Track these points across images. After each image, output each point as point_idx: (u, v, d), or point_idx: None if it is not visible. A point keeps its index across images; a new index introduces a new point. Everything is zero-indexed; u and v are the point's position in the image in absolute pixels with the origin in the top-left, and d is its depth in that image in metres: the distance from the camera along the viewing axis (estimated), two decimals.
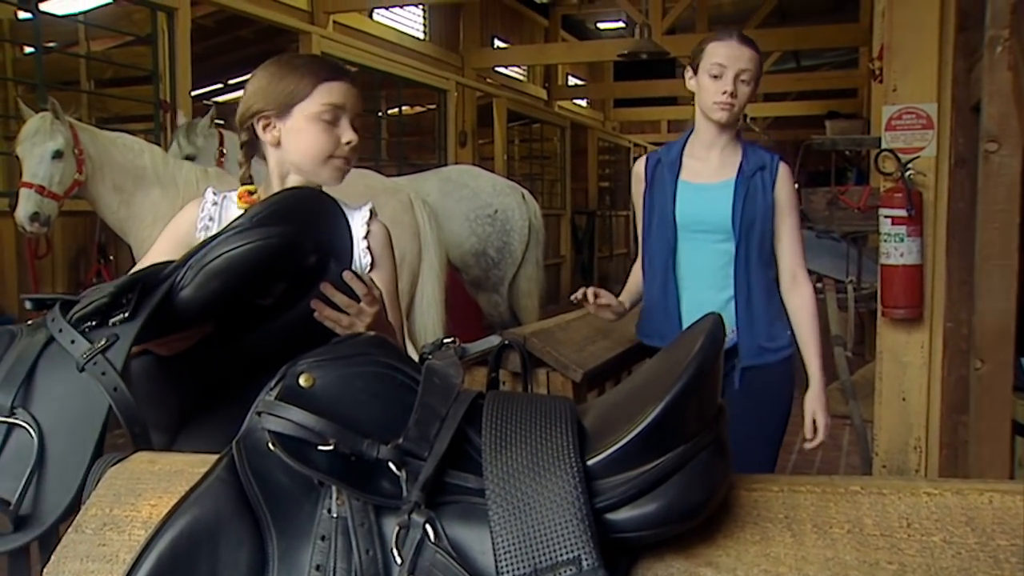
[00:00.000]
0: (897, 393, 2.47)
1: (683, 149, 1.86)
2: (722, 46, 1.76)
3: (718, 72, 1.74)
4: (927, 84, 2.47)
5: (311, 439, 0.70)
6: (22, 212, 2.90)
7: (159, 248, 1.27)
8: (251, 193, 1.28)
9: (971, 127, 2.30)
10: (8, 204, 3.28)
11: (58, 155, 2.92)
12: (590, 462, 0.68)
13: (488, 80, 9.17)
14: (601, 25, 12.08)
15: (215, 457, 0.76)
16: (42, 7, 4.00)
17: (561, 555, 0.63)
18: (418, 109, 7.73)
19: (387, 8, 7.46)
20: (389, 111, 6.88)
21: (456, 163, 6.82)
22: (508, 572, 0.63)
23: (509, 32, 10.21)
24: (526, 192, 4.73)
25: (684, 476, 0.69)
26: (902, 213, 2.41)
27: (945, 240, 2.43)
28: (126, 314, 0.87)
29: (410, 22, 8.26)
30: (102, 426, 0.84)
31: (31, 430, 0.82)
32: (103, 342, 0.85)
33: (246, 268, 0.91)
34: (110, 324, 0.87)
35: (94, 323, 0.88)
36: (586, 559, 0.63)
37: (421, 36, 8.39)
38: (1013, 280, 1.85)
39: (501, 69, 9.88)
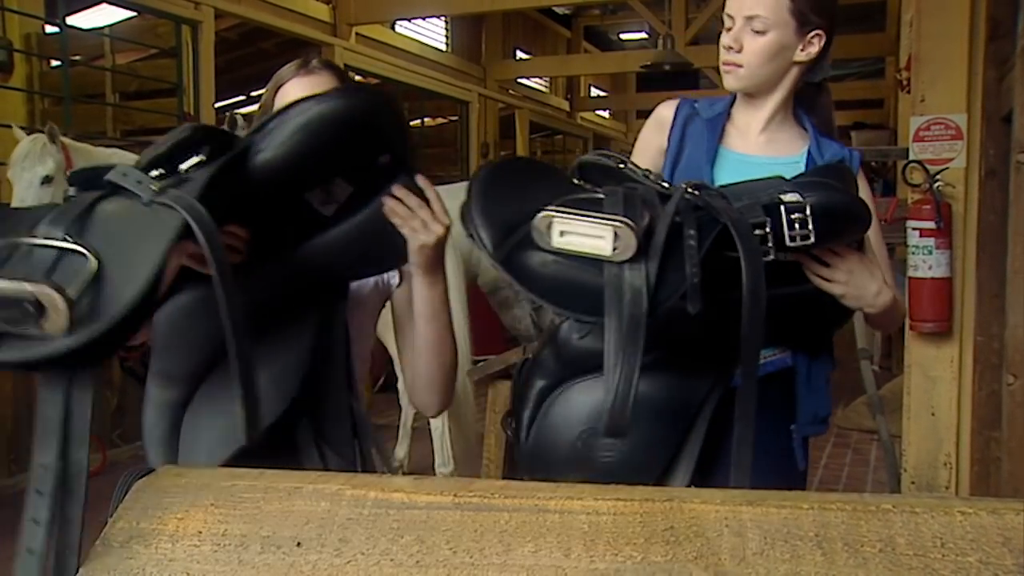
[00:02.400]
0: (926, 408, 2.42)
1: (729, 110, 1.37)
2: None
3: (728, 24, 1.30)
4: (956, 94, 2.44)
5: None
6: None
7: None
8: None
9: (1002, 138, 2.27)
10: None
11: (47, 180, 2.87)
12: None
13: (510, 91, 9.21)
14: (624, 36, 12.10)
15: (244, 471, 0.76)
16: (69, 21, 4.08)
17: None
18: (440, 121, 7.78)
19: (409, 20, 7.54)
20: (411, 123, 6.94)
21: None
22: None
23: (531, 43, 10.26)
24: None
25: None
26: (930, 225, 2.39)
27: (975, 253, 2.40)
28: (203, 157, 0.80)
29: (432, 34, 8.33)
30: (169, 242, 0.73)
31: (87, 253, 0.70)
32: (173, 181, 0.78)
33: (327, 127, 0.85)
34: (181, 172, 0.80)
35: (163, 171, 0.79)
36: None
37: (443, 48, 8.46)
38: None
39: (523, 80, 9.92)
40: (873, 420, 2.61)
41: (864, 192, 1.24)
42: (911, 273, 2.46)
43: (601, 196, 0.87)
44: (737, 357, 0.93)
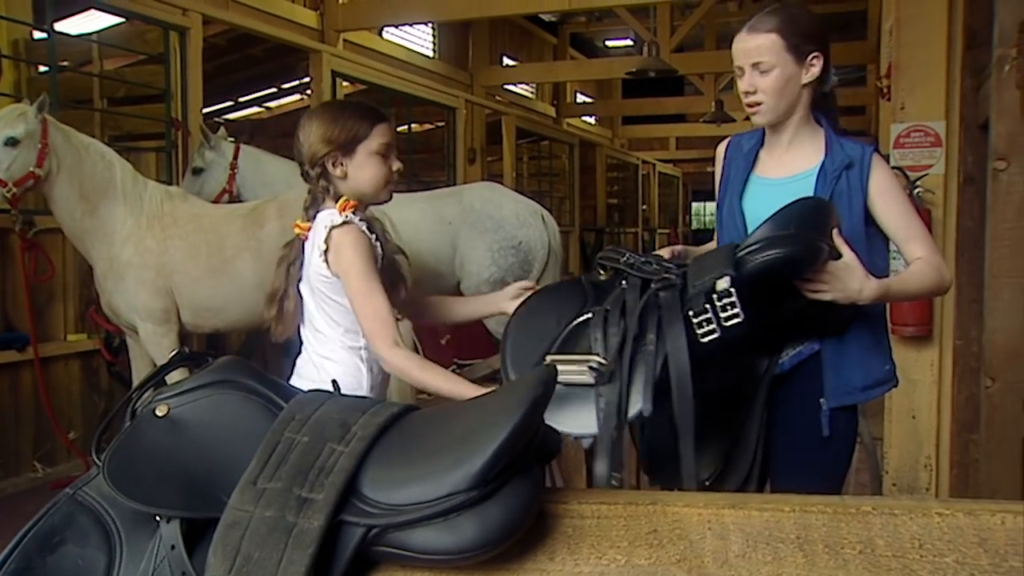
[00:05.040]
0: (907, 411, 2.45)
1: (763, 139, 1.60)
2: (735, 43, 1.52)
3: (739, 73, 1.52)
4: (935, 102, 2.48)
5: None
6: None
7: (371, 275, 1.50)
8: (347, 200, 1.55)
9: (980, 145, 2.30)
10: (20, 222, 3.28)
11: (12, 142, 2.87)
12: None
13: (497, 97, 9.24)
14: (609, 43, 12.17)
15: None
16: (57, 27, 4.05)
17: None
18: (427, 126, 7.78)
19: (397, 26, 7.55)
20: (398, 128, 6.93)
21: (465, 181, 6.83)
22: None
23: (518, 50, 10.29)
24: (545, 213, 4.65)
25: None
26: None
27: (954, 258, 2.43)
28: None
29: (419, 40, 8.34)
30: None
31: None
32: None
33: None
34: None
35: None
36: None
37: (430, 54, 8.47)
38: (1023, 298, 1.85)
39: (510, 87, 9.95)
40: None
41: (881, 177, 1.47)
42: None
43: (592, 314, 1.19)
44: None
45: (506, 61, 9.93)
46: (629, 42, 11.39)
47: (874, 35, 7.27)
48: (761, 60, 1.47)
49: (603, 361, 1.13)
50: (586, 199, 10.37)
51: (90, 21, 5.08)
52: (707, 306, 1.16)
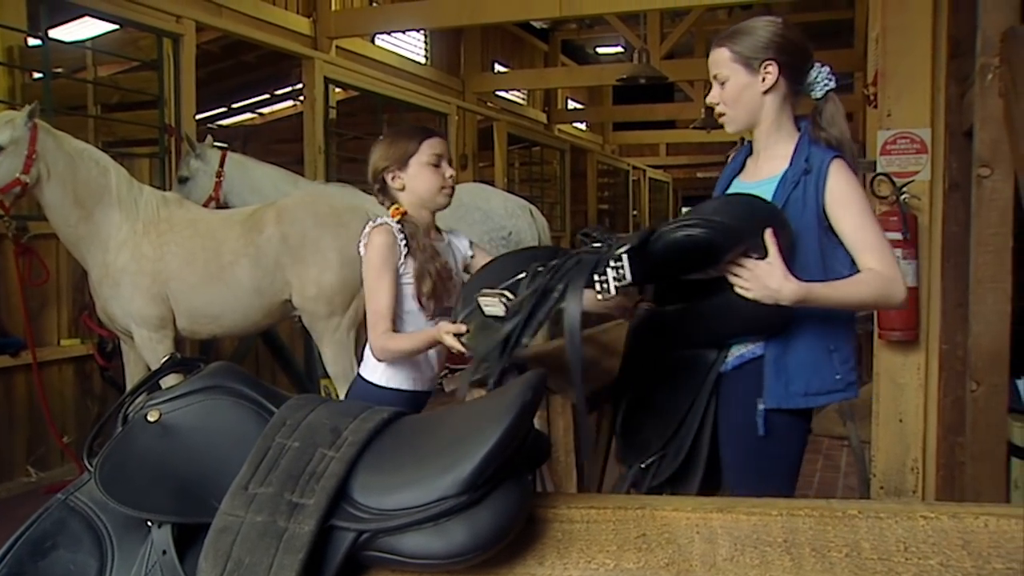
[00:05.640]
0: (894, 415, 2.47)
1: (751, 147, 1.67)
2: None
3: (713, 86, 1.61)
4: (920, 109, 2.50)
5: None
6: None
7: (378, 276, 1.74)
8: (397, 208, 1.81)
9: (964, 152, 2.33)
10: (14, 227, 3.28)
11: None
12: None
13: (488, 104, 9.26)
14: (600, 50, 12.23)
15: None
16: (51, 34, 4.05)
17: None
18: (389, 130, 7.78)
19: (389, 33, 7.57)
20: None
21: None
22: None
23: (509, 57, 10.33)
24: (533, 208, 4.73)
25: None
26: (898, 236, 2.43)
27: (940, 263, 2.45)
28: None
29: (411, 47, 8.36)
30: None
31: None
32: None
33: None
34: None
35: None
36: None
37: (422, 61, 8.50)
38: (1007, 303, 1.87)
39: (501, 93, 9.98)
40: (844, 427, 2.66)
41: (837, 185, 1.49)
42: None
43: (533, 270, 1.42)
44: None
45: (498, 68, 9.95)
46: (620, 49, 11.44)
47: (861, 43, 7.35)
48: (718, 72, 1.56)
49: (511, 297, 1.35)
50: (577, 204, 10.41)
51: (84, 28, 5.08)
52: (607, 269, 1.33)
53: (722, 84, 1.56)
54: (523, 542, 0.83)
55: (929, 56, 2.47)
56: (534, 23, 10.26)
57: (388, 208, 1.83)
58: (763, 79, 1.53)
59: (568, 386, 1.78)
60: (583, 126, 12.85)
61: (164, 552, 0.78)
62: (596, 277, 1.32)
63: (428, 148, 1.80)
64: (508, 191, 7.93)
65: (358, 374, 1.87)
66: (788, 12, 9.25)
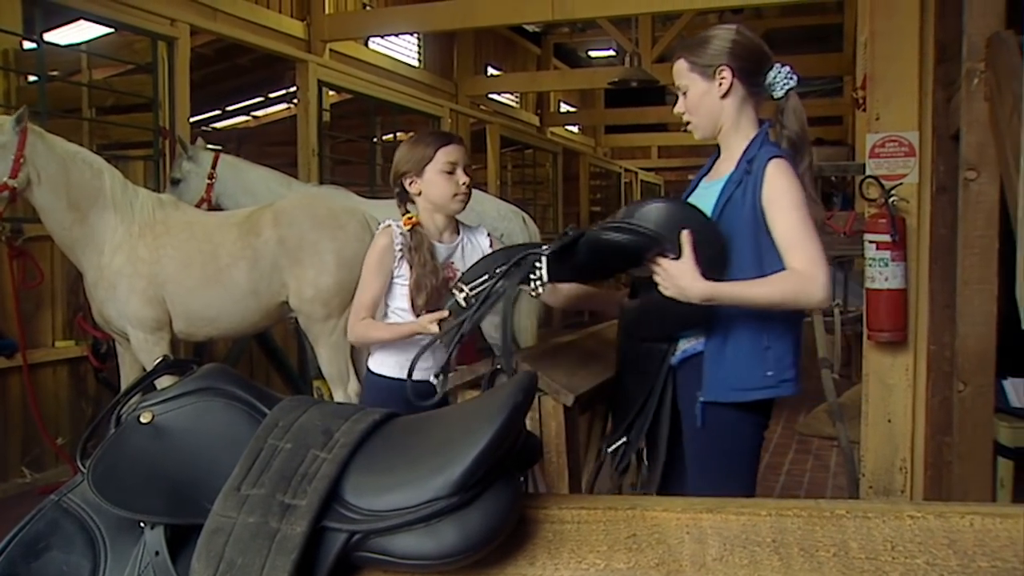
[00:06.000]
0: (883, 415, 2.49)
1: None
2: None
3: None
4: (908, 113, 2.52)
5: None
6: None
7: (372, 273, 1.87)
8: (410, 218, 1.90)
9: (951, 155, 2.35)
10: (8, 230, 3.27)
11: None
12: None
13: (481, 107, 9.27)
14: (592, 53, 12.26)
15: None
16: (46, 38, 4.05)
17: None
18: (412, 135, 7.80)
19: (382, 37, 7.57)
20: (384, 137, 6.94)
21: None
22: None
23: (502, 60, 10.35)
24: (526, 216, 4.76)
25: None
26: (886, 238, 2.45)
27: (928, 265, 2.47)
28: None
29: (405, 50, 8.37)
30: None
31: None
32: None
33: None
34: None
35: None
36: None
37: (416, 64, 8.50)
38: (993, 304, 1.89)
39: (494, 96, 9.99)
40: (833, 427, 2.68)
41: (772, 186, 1.53)
42: (868, 285, 2.52)
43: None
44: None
45: (490, 71, 9.97)
46: (611, 53, 11.47)
47: (850, 47, 7.39)
48: (679, 83, 1.65)
49: (468, 293, 1.53)
50: (569, 207, 10.43)
51: (79, 31, 5.07)
52: (535, 268, 1.49)
53: (684, 94, 1.64)
54: (514, 542, 0.84)
55: (917, 61, 2.49)
56: (526, 27, 10.28)
57: (403, 215, 1.92)
58: (719, 84, 1.59)
59: (561, 388, 1.80)
60: (575, 129, 12.87)
61: (157, 553, 0.78)
62: (531, 277, 1.48)
63: (443, 156, 1.87)
64: (501, 193, 7.96)
65: (368, 369, 1.96)
66: (778, 16, 9.32)
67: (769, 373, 1.57)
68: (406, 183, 1.91)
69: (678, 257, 1.48)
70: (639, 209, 1.56)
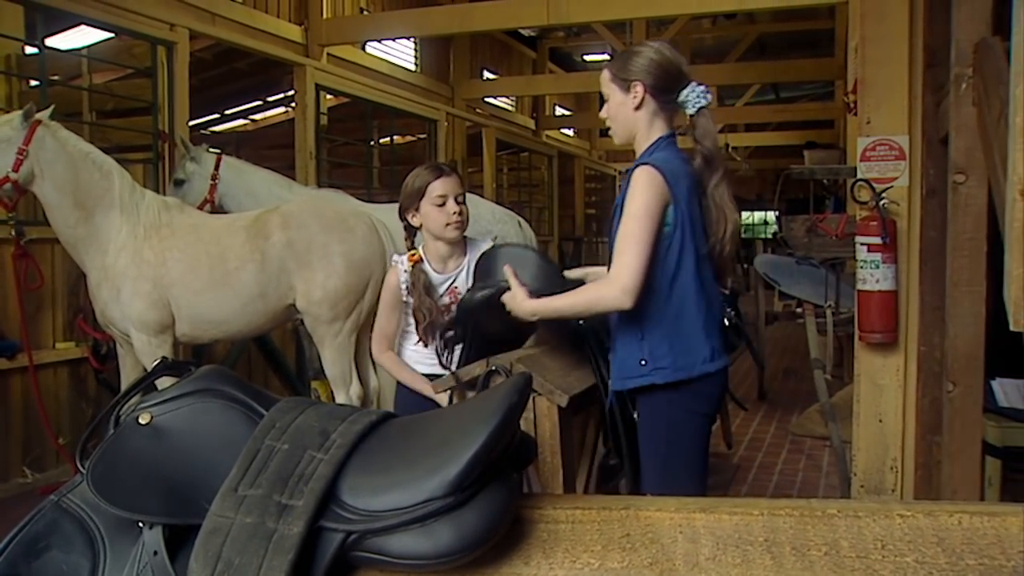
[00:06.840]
0: (874, 415, 2.50)
1: None
2: None
3: None
4: (899, 117, 2.54)
5: None
6: None
7: (387, 308, 2.19)
8: (413, 254, 2.13)
9: (941, 159, 2.37)
10: (11, 231, 3.28)
11: None
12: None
13: (477, 110, 9.29)
14: (587, 57, 12.30)
15: None
16: (48, 43, 4.06)
17: None
18: (409, 139, 7.80)
19: (379, 41, 7.59)
20: (381, 140, 6.95)
21: None
22: None
23: (498, 64, 10.37)
24: (522, 220, 4.79)
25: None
26: (877, 241, 2.47)
27: (918, 267, 2.49)
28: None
29: (402, 54, 8.39)
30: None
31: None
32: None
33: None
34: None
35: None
36: None
37: (412, 68, 8.52)
38: (982, 306, 1.90)
39: (490, 100, 10.02)
40: (826, 427, 2.69)
41: (627, 193, 1.68)
42: (860, 286, 2.54)
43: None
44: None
45: (487, 75, 10.00)
46: (606, 56, 11.50)
47: (842, 52, 7.43)
48: (603, 91, 1.81)
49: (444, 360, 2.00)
50: (565, 209, 10.45)
51: (80, 36, 5.08)
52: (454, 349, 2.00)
53: (607, 100, 1.80)
54: (509, 542, 0.84)
55: (906, 66, 2.51)
56: (522, 31, 10.32)
57: (408, 249, 2.15)
58: (633, 97, 1.75)
59: (555, 389, 1.82)
60: (571, 132, 12.90)
61: (155, 553, 0.79)
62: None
63: (433, 190, 2.08)
64: (497, 197, 7.96)
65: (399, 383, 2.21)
66: (771, 21, 9.35)
67: (643, 362, 1.71)
68: (409, 217, 2.13)
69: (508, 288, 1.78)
70: (487, 270, 1.94)
